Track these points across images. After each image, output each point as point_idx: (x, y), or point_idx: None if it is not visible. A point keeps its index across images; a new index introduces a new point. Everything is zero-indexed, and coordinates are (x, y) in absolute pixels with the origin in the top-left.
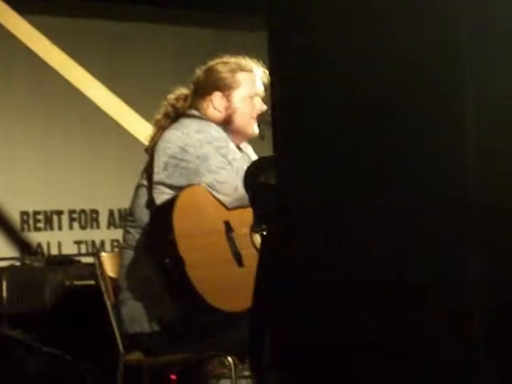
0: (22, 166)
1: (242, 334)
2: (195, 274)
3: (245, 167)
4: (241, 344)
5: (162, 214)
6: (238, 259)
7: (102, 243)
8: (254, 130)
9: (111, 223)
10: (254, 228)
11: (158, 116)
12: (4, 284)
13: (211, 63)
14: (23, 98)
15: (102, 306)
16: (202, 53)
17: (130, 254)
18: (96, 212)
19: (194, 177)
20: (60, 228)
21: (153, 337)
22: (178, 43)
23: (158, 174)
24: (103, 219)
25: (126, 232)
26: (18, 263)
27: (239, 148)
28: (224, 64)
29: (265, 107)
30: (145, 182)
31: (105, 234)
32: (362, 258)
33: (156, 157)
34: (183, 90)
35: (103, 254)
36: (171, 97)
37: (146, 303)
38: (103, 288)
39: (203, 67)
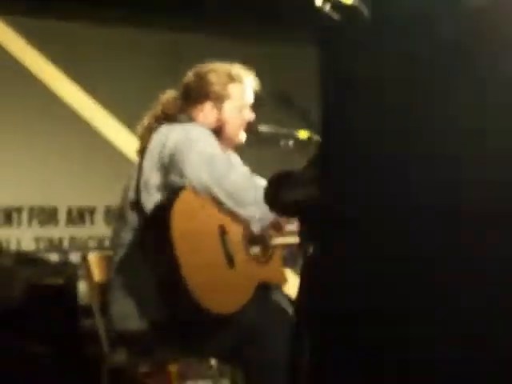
0: None
1: (229, 337)
2: (190, 275)
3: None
4: (227, 346)
5: (160, 216)
6: (230, 261)
7: (60, 241)
8: (241, 138)
9: (70, 221)
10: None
11: (148, 118)
12: None
13: (202, 70)
14: None
15: (71, 306)
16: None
17: (121, 253)
18: (55, 209)
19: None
20: (19, 224)
21: (142, 335)
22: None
23: (151, 177)
24: (62, 216)
25: (117, 231)
26: None
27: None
28: (216, 74)
29: (252, 117)
30: (133, 184)
31: (63, 231)
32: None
33: (148, 158)
34: (172, 93)
35: (90, 256)
36: (162, 100)
37: (137, 301)
38: (89, 289)
39: (194, 72)
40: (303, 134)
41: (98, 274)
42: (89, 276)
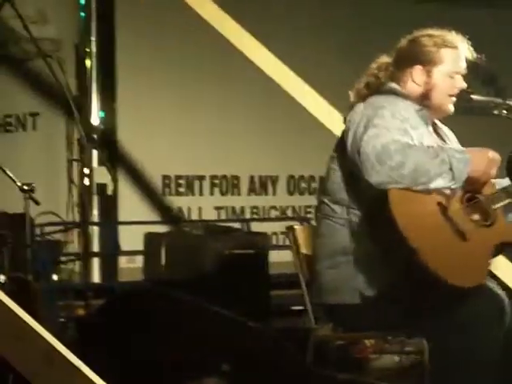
0: (164, 129)
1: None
2: (426, 257)
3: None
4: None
5: (378, 198)
6: (461, 235)
7: (242, 210)
8: (451, 108)
9: (252, 190)
10: None
11: (359, 85)
12: (164, 249)
13: (416, 34)
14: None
15: (262, 276)
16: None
17: (328, 224)
18: (237, 178)
19: None
20: (201, 193)
21: (352, 309)
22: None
23: (350, 147)
24: (244, 185)
25: (322, 203)
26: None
27: (434, 124)
28: (429, 37)
29: (464, 85)
30: (337, 155)
31: (245, 200)
32: None
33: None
34: (385, 59)
35: (296, 227)
36: (373, 66)
37: (348, 274)
38: (297, 262)
39: (408, 37)
40: None
41: (304, 246)
42: (296, 247)
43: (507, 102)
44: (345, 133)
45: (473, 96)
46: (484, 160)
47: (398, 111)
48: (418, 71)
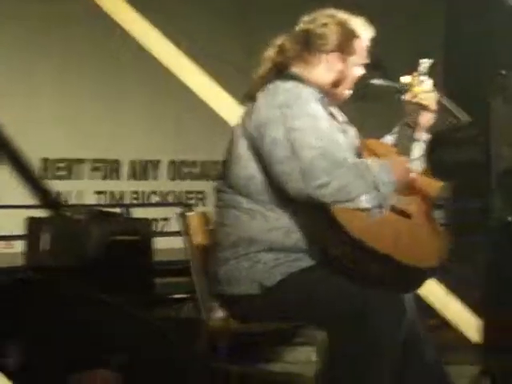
0: (44, 112)
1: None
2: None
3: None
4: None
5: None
6: (403, 214)
7: (122, 195)
8: (349, 94)
9: (132, 175)
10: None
11: (261, 71)
12: (45, 235)
13: (325, 19)
14: None
15: (145, 263)
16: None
17: (232, 214)
18: (118, 162)
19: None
20: (81, 177)
21: (252, 300)
22: None
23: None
24: (124, 170)
25: (223, 192)
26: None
27: (332, 113)
28: (341, 26)
29: (363, 72)
30: (245, 148)
31: (125, 185)
32: None
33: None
34: (282, 41)
35: (188, 214)
36: (272, 50)
37: (249, 264)
38: (189, 249)
39: (316, 19)
40: (417, 89)
41: (196, 233)
42: (188, 234)
43: (405, 87)
44: (255, 129)
45: (372, 81)
46: (403, 171)
47: (307, 104)
48: (335, 58)
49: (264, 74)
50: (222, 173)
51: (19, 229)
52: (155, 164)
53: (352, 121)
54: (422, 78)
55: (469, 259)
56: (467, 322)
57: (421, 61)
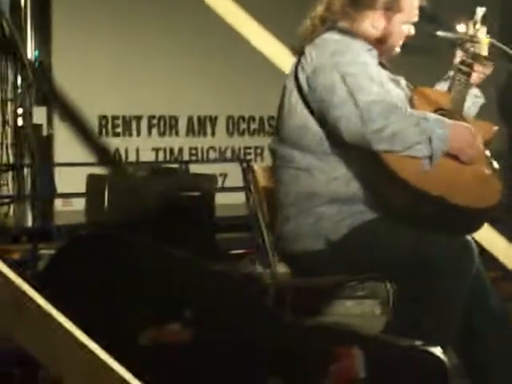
0: (100, 69)
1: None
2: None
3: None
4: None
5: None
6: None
7: (181, 151)
8: (397, 50)
9: (190, 130)
10: None
11: (306, 27)
12: (107, 191)
13: None
14: None
15: (208, 219)
16: None
17: (288, 172)
18: (175, 118)
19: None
20: (138, 134)
21: (316, 255)
22: None
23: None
24: (182, 126)
25: (277, 149)
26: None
27: (382, 64)
28: None
29: (413, 32)
30: (297, 99)
31: (183, 141)
32: None
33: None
34: None
35: (255, 167)
36: (318, 9)
37: (313, 220)
38: (257, 203)
39: None
40: (485, 41)
41: (264, 187)
42: (256, 188)
43: (473, 37)
44: (308, 78)
45: (438, 33)
46: (464, 137)
47: (357, 54)
48: (379, 16)
49: (311, 28)
50: (276, 128)
51: (78, 187)
52: (213, 120)
53: (402, 75)
54: (477, 26)
55: None
56: None
57: (477, 9)
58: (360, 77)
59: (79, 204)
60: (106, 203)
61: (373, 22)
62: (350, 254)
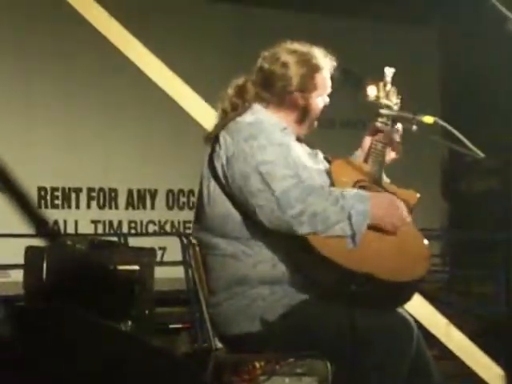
0: (40, 140)
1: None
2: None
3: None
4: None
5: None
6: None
7: (120, 224)
8: (314, 126)
9: (130, 203)
10: None
11: (218, 114)
12: (45, 264)
13: (286, 56)
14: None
15: (147, 292)
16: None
17: (215, 259)
18: (115, 191)
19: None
20: (78, 206)
21: (252, 336)
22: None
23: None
24: (122, 199)
25: (200, 237)
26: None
27: (299, 139)
28: (302, 63)
29: (328, 101)
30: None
31: (122, 214)
32: None
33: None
34: (240, 81)
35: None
36: (230, 92)
37: (247, 303)
38: (196, 277)
39: (273, 56)
40: (428, 119)
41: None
42: (196, 262)
43: (416, 117)
44: (224, 166)
45: (382, 111)
46: (386, 206)
47: (272, 136)
48: (297, 98)
49: (223, 115)
50: (196, 215)
51: (16, 258)
52: (152, 193)
53: (319, 148)
54: (387, 87)
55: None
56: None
57: (386, 69)
58: (275, 163)
59: (17, 275)
60: (44, 275)
61: (290, 105)
62: (286, 334)
